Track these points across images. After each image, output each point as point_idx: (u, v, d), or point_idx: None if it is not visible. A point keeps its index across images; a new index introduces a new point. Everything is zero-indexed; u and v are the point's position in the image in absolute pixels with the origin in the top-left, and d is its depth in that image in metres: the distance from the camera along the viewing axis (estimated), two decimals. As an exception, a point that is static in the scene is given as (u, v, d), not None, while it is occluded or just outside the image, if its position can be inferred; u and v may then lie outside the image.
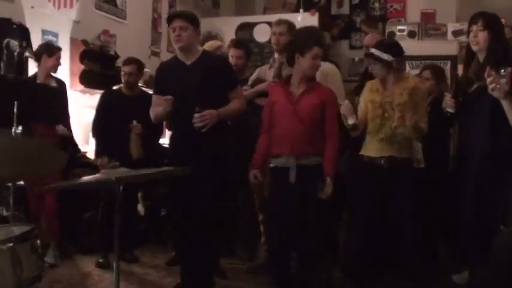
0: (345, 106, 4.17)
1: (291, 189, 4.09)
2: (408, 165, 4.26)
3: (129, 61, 5.48)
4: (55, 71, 5.46)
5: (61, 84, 5.58)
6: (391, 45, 4.39)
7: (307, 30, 4.87)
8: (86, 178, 3.12)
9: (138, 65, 5.50)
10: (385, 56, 4.22)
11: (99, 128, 5.45)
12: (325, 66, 4.81)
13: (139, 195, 6.00)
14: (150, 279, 4.87)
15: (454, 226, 4.72)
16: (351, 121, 4.17)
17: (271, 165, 4.27)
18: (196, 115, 4.01)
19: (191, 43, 4.18)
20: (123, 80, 5.46)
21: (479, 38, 4.01)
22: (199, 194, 4.13)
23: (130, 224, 5.50)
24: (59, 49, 5.50)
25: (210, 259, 4.36)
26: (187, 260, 4.34)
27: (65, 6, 6.44)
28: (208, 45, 5.18)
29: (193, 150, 4.10)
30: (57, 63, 5.42)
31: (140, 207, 6.16)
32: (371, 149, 4.31)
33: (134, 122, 5.22)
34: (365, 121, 4.35)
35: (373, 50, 4.30)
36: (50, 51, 5.37)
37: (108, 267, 5.15)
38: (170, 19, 4.18)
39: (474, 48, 4.07)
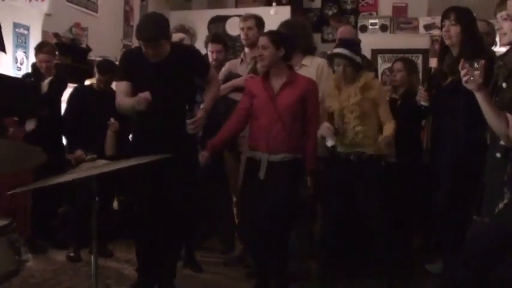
0: (324, 128, 4.10)
1: (261, 184, 4.10)
2: (377, 160, 4.21)
3: None
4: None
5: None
6: (356, 45, 4.37)
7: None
8: (66, 176, 3.06)
9: None
10: (358, 59, 4.19)
11: (69, 124, 5.42)
12: (319, 60, 4.83)
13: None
14: (125, 273, 4.85)
15: (427, 217, 4.79)
16: (330, 143, 4.09)
17: (247, 154, 4.28)
18: (188, 122, 3.99)
19: (165, 53, 4.05)
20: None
21: (451, 33, 4.06)
22: (166, 181, 4.12)
23: (104, 218, 5.47)
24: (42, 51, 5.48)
25: (174, 247, 4.38)
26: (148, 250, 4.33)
27: (36, -1, 6.37)
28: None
29: (160, 141, 3.99)
30: (41, 66, 5.44)
31: (114, 202, 6.12)
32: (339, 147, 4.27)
33: (112, 120, 5.20)
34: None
35: (344, 51, 4.17)
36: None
37: (80, 261, 5.14)
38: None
39: (447, 42, 4.12)
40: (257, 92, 4.21)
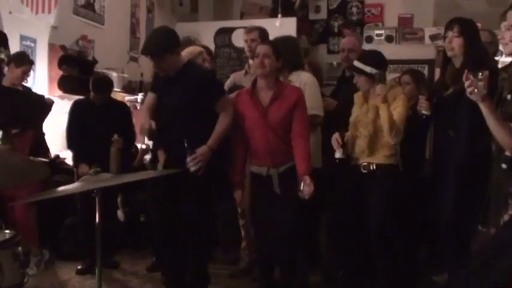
0: (332, 139, 4.14)
1: (275, 197, 4.09)
2: (388, 172, 4.22)
3: None
4: (18, 84, 5.33)
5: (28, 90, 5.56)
6: (374, 57, 4.33)
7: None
8: (67, 188, 3.07)
9: None
10: (368, 69, 4.18)
11: (73, 137, 5.41)
12: (303, 75, 4.82)
13: (118, 200, 5.96)
14: (130, 286, 4.85)
15: (432, 228, 4.76)
16: (337, 155, 4.13)
17: (252, 170, 4.24)
18: (188, 159, 3.94)
19: (173, 67, 4.09)
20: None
21: (453, 44, 4.05)
22: (184, 199, 4.11)
23: (110, 230, 5.48)
24: (29, 62, 5.40)
25: (201, 262, 4.35)
26: (172, 266, 4.34)
27: (43, 11, 6.39)
28: (190, 51, 5.11)
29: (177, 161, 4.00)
30: (22, 77, 5.33)
31: (120, 213, 6.13)
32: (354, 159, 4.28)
33: (115, 136, 5.17)
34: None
35: (355, 63, 4.27)
36: (18, 62, 5.29)
37: (88, 274, 5.13)
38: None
39: (449, 54, 4.12)
40: (246, 110, 4.14)
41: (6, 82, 5.30)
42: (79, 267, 5.21)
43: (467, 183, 3.93)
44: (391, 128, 4.03)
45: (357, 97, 4.35)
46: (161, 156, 4.27)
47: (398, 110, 4.11)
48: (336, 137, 4.13)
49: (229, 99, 4.32)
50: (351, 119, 4.30)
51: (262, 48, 4.15)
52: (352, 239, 4.23)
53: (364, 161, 4.21)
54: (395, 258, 4.22)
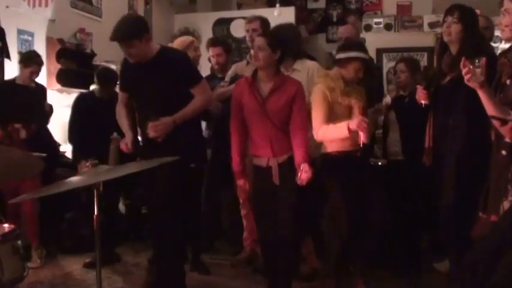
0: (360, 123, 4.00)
1: (275, 188, 4.06)
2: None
3: None
4: (29, 81, 5.44)
5: (40, 88, 5.62)
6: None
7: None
8: (67, 182, 3.05)
9: None
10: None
11: (74, 132, 5.42)
12: (308, 63, 4.81)
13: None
14: (133, 278, 4.85)
15: (433, 216, 4.77)
16: (363, 139, 4.03)
17: (254, 162, 4.20)
18: (150, 124, 3.95)
19: (143, 54, 4.06)
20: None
21: (451, 30, 4.03)
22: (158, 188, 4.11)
23: (112, 223, 5.50)
24: (37, 63, 5.46)
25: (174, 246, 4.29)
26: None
27: (40, 5, 6.36)
28: (181, 41, 5.09)
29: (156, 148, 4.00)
30: (31, 77, 5.42)
31: (121, 206, 6.13)
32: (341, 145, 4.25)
33: (115, 134, 5.16)
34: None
35: (361, 55, 4.23)
36: (26, 62, 5.41)
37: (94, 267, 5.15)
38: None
39: (446, 38, 4.10)
40: (245, 99, 4.11)
41: (19, 80, 5.44)
42: (87, 260, 5.21)
43: (467, 170, 3.92)
44: None
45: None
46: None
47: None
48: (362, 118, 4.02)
49: (206, 85, 4.33)
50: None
51: (257, 41, 4.12)
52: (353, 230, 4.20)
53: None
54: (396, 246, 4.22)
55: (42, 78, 6.15)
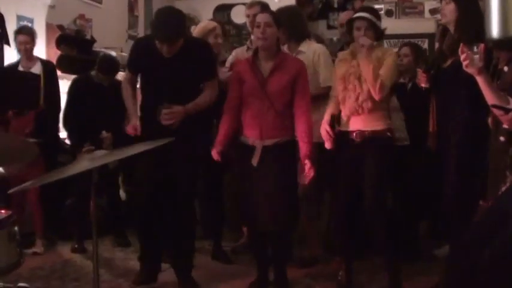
0: (322, 130, 4.06)
1: (255, 171, 4.01)
2: (380, 137, 4.07)
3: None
4: (25, 57, 5.47)
5: (46, 65, 5.64)
6: (377, 13, 4.19)
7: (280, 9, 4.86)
8: (63, 169, 3.05)
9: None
10: (379, 23, 4.07)
11: (70, 118, 5.42)
12: (314, 45, 4.79)
13: (119, 180, 5.97)
14: (131, 264, 4.84)
15: (434, 202, 4.76)
16: (328, 145, 4.08)
17: (240, 141, 4.15)
18: (164, 111, 3.95)
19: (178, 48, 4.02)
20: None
21: (445, 11, 4.00)
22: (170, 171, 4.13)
23: (117, 208, 5.53)
24: (21, 33, 5.48)
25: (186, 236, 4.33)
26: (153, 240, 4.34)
27: (40, -10, 6.37)
28: (202, 28, 4.98)
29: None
30: (20, 48, 5.44)
31: (121, 193, 6.13)
32: (343, 123, 4.17)
33: (104, 133, 5.17)
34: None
35: (367, 15, 4.03)
36: (14, 36, 5.45)
37: (85, 252, 5.20)
38: None
39: (442, 20, 4.08)
40: (246, 77, 4.07)
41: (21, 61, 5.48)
42: (75, 245, 5.30)
43: (469, 155, 3.91)
44: (375, 79, 3.90)
45: (345, 54, 4.20)
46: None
47: (386, 62, 4.00)
48: (325, 128, 4.03)
49: (217, 83, 4.29)
50: (339, 74, 4.13)
51: (262, 17, 4.04)
52: (351, 218, 4.18)
53: (355, 127, 4.08)
54: (395, 232, 4.20)
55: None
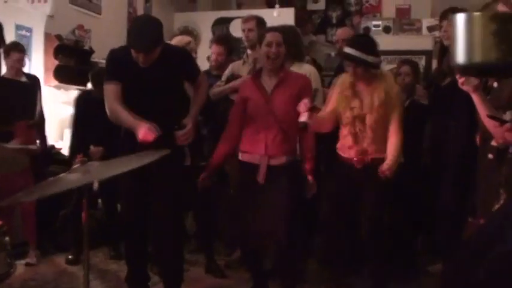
0: (301, 103, 3.79)
1: (259, 188, 3.96)
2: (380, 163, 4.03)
3: None
4: (14, 72, 5.34)
5: (32, 79, 5.55)
6: (372, 45, 4.13)
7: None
8: (57, 180, 3.01)
9: None
10: (370, 59, 3.97)
11: (74, 131, 5.40)
12: (306, 67, 4.80)
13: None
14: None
15: (430, 218, 4.77)
16: (303, 119, 3.75)
17: (240, 158, 4.12)
18: (179, 133, 3.83)
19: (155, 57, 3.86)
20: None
21: (449, 33, 4.05)
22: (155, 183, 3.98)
23: (113, 220, 5.50)
24: (17, 50, 5.36)
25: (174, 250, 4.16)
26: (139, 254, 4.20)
27: (39, 0, 6.36)
28: (177, 41, 5.04)
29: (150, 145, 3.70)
30: (14, 65, 5.31)
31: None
32: (345, 151, 4.14)
33: (92, 148, 5.15)
34: (335, 115, 4.15)
35: (352, 51, 4.00)
36: (6, 52, 5.32)
37: (80, 264, 5.12)
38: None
39: (445, 42, 4.13)
40: (250, 95, 4.06)
41: (7, 73, 5.36)
42: (69, 256, 5.25)
43: (467, 173, 3.91)
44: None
45: (345, 87, 4.11)
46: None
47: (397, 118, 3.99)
48: (305, 102, 3.80)
49: (204, 76, 4.27)
50: (343, 115, 4.09)
51: (275, 36, 4.01)
52: (342, 232, 4.17)
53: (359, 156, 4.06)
54: (389, 251, 4.19)
55: (39, 74, 6.16)
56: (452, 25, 1.86)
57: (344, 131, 4.12)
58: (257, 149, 4.00)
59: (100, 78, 5.21)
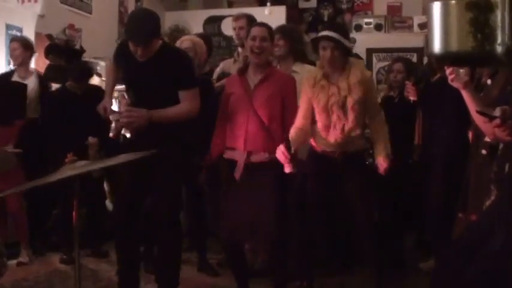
0: (279, 152, 3.66)
1: (240, 185, 3.92)
2: (361, 155, 4.09)
3: None
4: (16, 64, 5.46)
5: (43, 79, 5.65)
6: (347, 31, 4.09)
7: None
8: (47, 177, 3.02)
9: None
10: (347, 43, 3.93)
11: (50, 126, 5.36)
12: (307, 67, 4.76)
13: (106, 190, 5.95)
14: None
15: (420, 215, 4.78)
16: (287, 170, 3.70)
17: (224, 155, 4.09)
18: (125, 108, 3.84)
19: (153, 51, 3.85)
20: None
21: None
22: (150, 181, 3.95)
23: (98, 218, 5.50)
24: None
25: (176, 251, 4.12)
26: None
27: (29, 0, 6.35)
28: (188, 39, 4.96)
29: (144, 141, 3.79)
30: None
31: (108, 203, 6.10)
32: (323, 143, 4.07)
33: (90, 139, 5.14)
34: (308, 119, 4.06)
35: (333, 35, 3.86)
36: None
37: (73, 263, 5.08)
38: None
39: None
40: (234, 89, 4.03)
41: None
42: (64, 256, 5.23)
43: (456, 169, 3.93)
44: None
45: (319, 78, 3.99)
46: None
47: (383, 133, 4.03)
48: (281, 150, 3.65)
49: (197, 95, 3.97)
50: (320, 103, 3.98)
51: (259, 31, 3.96)
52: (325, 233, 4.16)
53: (337, 150, 4.02)
54: (382, 246, 4.19)
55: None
56: (428, 14, 1.86)
57: (320, 124, 4.03)
58: (237, 144, 3.97)
59: (80, 72, 5.26)
